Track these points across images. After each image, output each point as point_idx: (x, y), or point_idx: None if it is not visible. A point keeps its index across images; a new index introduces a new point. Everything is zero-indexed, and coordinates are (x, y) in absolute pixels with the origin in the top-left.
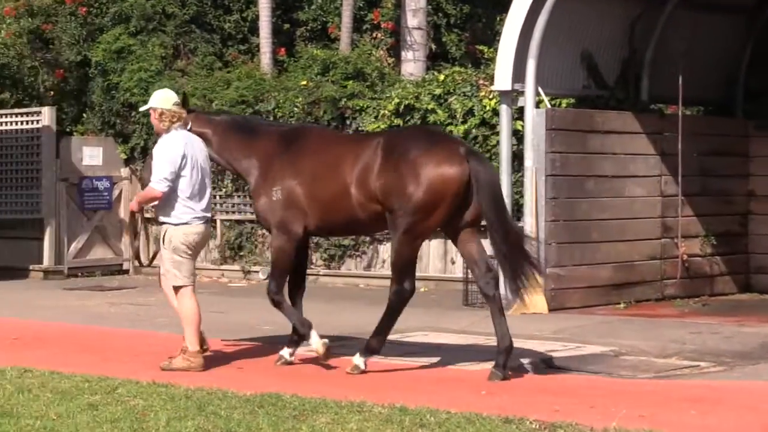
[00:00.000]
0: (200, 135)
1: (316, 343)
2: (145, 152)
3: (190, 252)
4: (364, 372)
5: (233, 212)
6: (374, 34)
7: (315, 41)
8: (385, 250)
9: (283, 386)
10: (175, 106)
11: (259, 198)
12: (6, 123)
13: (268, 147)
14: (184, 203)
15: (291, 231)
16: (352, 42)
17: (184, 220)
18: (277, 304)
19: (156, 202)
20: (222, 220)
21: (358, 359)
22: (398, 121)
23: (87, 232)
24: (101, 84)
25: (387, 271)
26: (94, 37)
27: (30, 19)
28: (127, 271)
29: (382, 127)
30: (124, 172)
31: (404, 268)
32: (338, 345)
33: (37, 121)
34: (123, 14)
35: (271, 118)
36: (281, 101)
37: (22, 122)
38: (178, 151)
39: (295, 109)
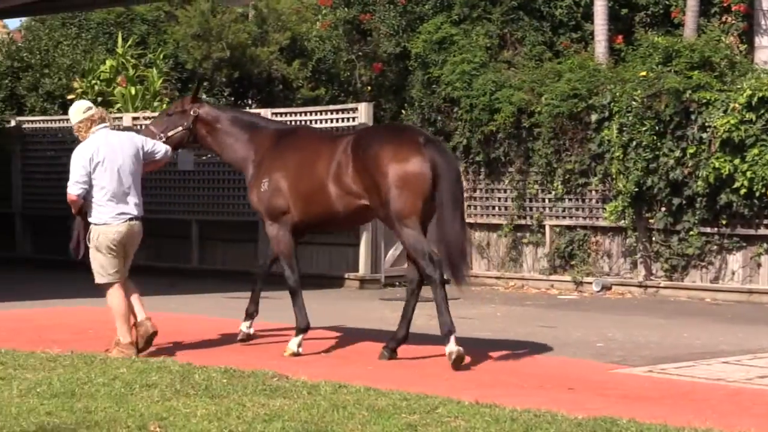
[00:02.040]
0: (207, 128)
1: (291, 344)
2: (469, 151)
3: (113, 250)
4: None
5: (563, 217)
6: (723, 18)
7: (656, 27)
8: (735, 261)
9: (618, 409)
10: (85, 113)
11: (252, 189)
12: (320, 120)
13: (262, 142)
14: (103, 204)
15: (280, 219)
16: (698, 27)
17: (103, 220)
18: (293, 293)
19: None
20: (551, 226)
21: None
22: (750, 116)
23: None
24: (421, 78)
25: (737, 284)
26: (414, 27)
27: (347, 9)
28: (448, 281)
29: (732, 122)
30: None
31: (418, 251)
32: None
33: (353, 119)
34: (445, 2)
35: (607, 113)
36: (617, 94)
37: (337, 119)
38: (86, 155)
39: (633, 102)
